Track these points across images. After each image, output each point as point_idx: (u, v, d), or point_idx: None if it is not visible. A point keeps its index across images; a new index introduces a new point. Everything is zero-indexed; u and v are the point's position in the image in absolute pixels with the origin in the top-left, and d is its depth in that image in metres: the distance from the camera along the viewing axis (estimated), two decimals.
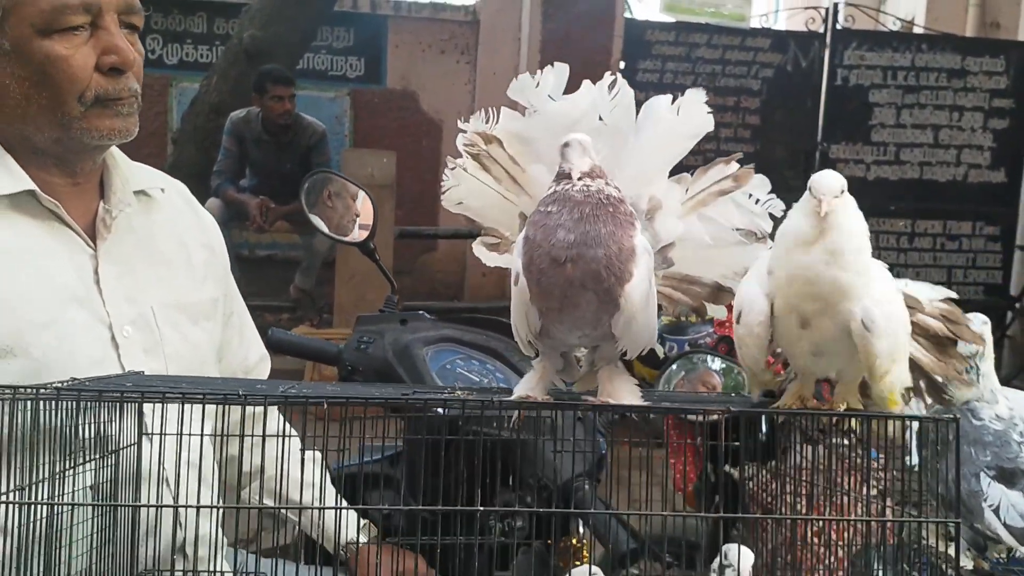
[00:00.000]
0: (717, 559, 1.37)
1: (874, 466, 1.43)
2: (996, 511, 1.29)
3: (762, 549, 1.57)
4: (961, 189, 8.04)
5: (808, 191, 1.16)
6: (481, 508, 1.21)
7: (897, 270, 7.88)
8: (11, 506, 1.10)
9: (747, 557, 1.35)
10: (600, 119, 1.31)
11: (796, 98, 7.91)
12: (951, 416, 1.06)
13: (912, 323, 1.20)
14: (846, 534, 1.38)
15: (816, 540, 1.46)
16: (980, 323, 1.42)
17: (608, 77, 1.32)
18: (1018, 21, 8.71)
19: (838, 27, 7.92)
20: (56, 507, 1.15)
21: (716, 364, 2.48)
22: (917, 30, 9.05)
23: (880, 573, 1.25)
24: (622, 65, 7.50)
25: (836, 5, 8.17)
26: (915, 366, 1.21)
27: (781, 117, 7.87)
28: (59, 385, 1.08)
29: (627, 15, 8.16)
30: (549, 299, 1.17)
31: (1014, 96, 8.04)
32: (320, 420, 1.41)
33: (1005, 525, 1.28)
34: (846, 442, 1.51)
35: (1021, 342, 7.70)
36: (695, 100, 1.31)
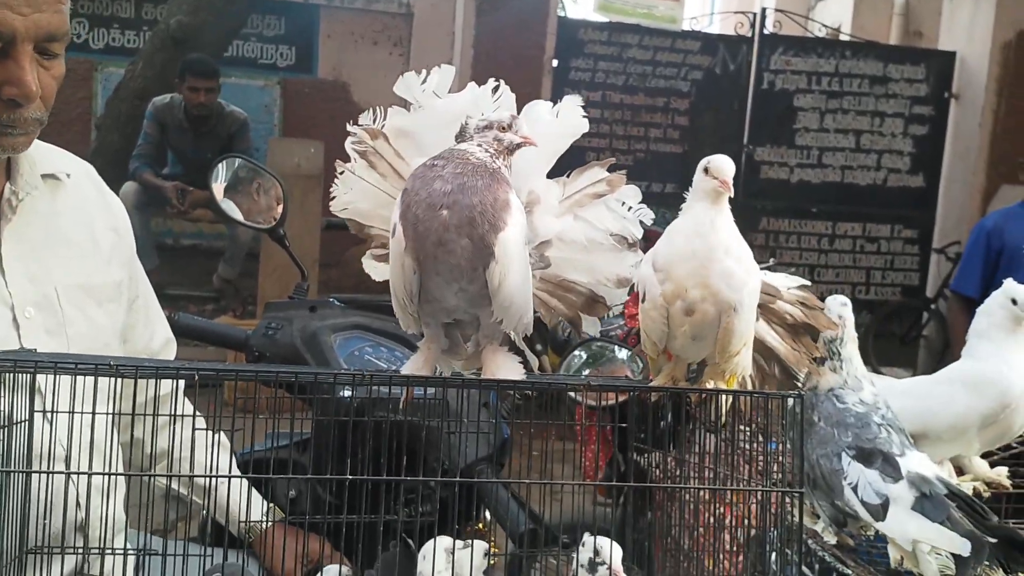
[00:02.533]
0: (583, 553, 1.40)
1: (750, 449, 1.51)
2: (855, 489, 1.36)
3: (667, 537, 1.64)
4: (881, 193, 8.27)
5: (703, 173, 1.22)
6: (386, 478, 1.22)
7: (817, 271, 8.10)
8: None
9: (617, 551, 1.39)
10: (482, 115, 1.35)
11: (724, 100, 8.05)
12: (797, 392, 1.13)
13: (771, 310, 1.27)
14: (727, 510, 1.44)
15: (711, 520, 1.52)
16: (840, 304, 1.49)
17: (492, 82, 1.38)
18: (938, 31, 8.99)
19: (765, 32, 8.09)
20: None
21: (623, 355, 2.54)
22: (844, 37, 9.28)
23: (769, 553, 1.31)
24: (555, 63, 7.56)
25: (764, 10, 8.33)
26: (770, 353, 1.28)
27: (709, 119, 8.01)
28: None
29: (561, 13, 8.23)
30: (424, 244, 1.21)
31: (933, 103, 8.30)
32: (227, 406, 1.44)
33: (862, 502, 1.36)
34: (743, 428, 1.58)
35: (936, 342, 7.95)
36: (572, 105, 1.39)
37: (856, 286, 7.99)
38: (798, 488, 1.15)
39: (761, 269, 1.54)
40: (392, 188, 1.43)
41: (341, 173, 1.44)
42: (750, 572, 1.40)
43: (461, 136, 1.29)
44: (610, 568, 1.36)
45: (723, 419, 1.26)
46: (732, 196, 1.21)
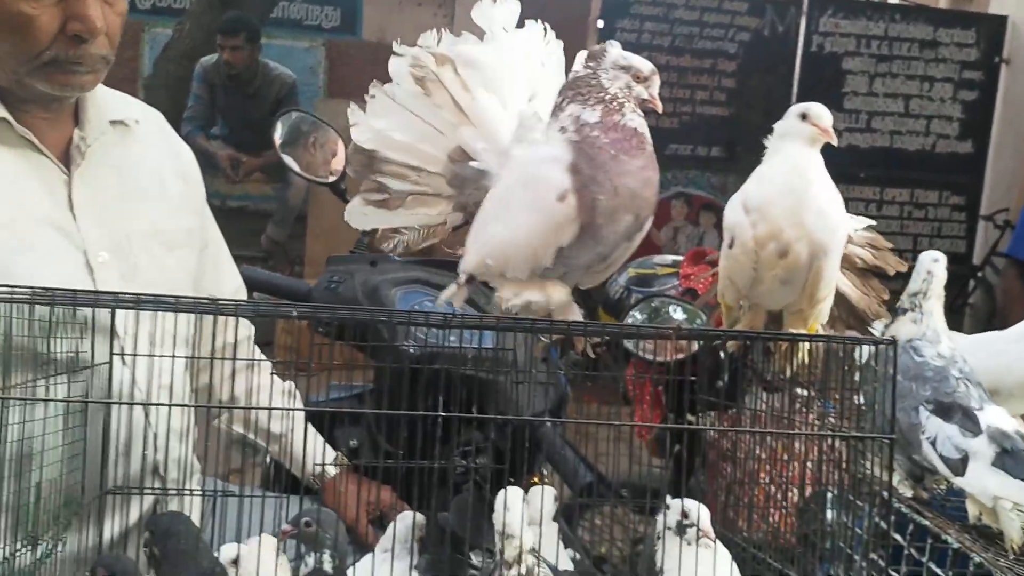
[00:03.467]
0: (671, 515, 1.41)
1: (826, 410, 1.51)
2: (933, 443, 1.35)
3: (719, 496, 1.64)
4: (929, 159, 8.12)
5: (799, 119, 1.21)
6: (442, 414, 1.23)
7: None
8: None
9: (705, 513, 1.40)
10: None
11: (772, 63, 7.93)
12: (891, 339, 1.12)
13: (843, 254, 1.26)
14: (791, 466, 1.44)
15: (767, 479, 1.51)
16: (931, 260, 1.47)
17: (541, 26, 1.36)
18: None
19: None
20: (27, 410, 1.17)
21: (679, 314, 2.53)
22: (893, 0, 9.09)
23: (830, 512, 1.30)
24: (600, 24, 7.48)
25: None
26: (840, 299, 1.26)
27: (757, 81, 7.89)
28: (33, 288, 1.09)
29: None
30: (600, 217, 1.23)
31: (983, 68, 8.11)
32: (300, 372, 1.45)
33: (941, 457, 1.34)
34: (802, 392, 1.57)
35: (982, 310, 7.84)
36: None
37: (903, 252, 7.88)
38: (889, 434, 1.15)
39: None
40: (446, 122, 1.38)
41: (373, 97, 1.40)
42: (819, 524, 1.39)
43: (593, 60, 1.27)
44: (700, 529, 1.37)
45: (805, 367, 1.25)
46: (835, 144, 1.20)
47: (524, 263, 1.31)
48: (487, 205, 1.35)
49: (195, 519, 1.67)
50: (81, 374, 1.40)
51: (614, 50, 1.28)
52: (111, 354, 1.47)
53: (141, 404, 1.47)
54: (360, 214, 1.48)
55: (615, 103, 1.21)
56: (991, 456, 1.32)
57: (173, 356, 1.35)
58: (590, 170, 1.21)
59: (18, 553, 1.19)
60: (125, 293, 1.14)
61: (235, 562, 1.30)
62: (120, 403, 1.42)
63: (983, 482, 1.30)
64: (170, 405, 1.45)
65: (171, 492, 1.56)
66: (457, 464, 1.93)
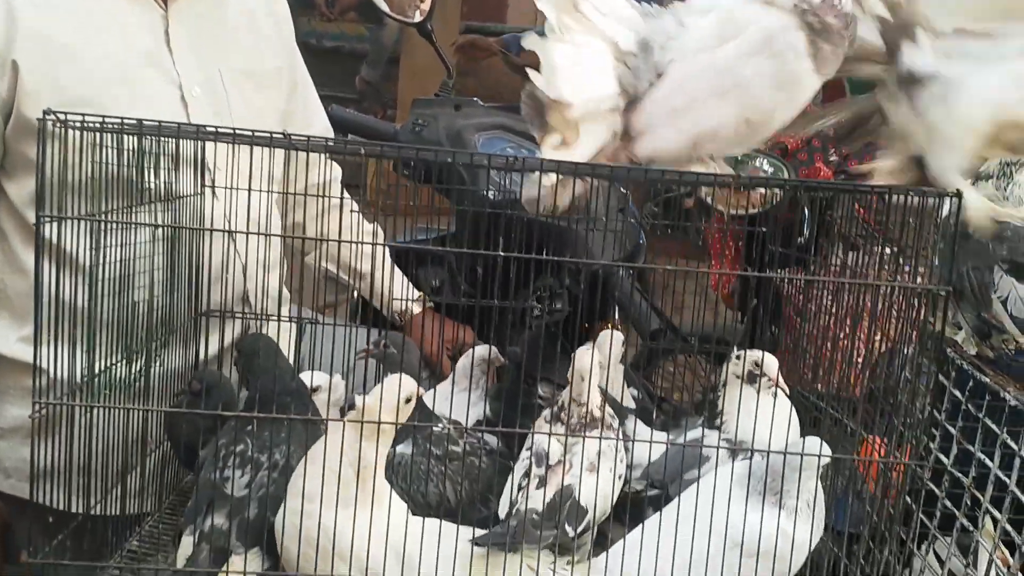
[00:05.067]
0: (739, 364, 1.46)
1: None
2: (1004, 302, 1.34)
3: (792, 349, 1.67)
4: None
5: None
6: (512, 254, 1.26)
7: None
8: (85, 224, 1.21)
9: (773, 362, 1.44)
10: None
11: None
12: (956, 191, 1.11)
13: None
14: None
15: (842, 336, 1.53)
16: None
17: None
18: None
19: None
20: (123, 234, 1.26)
21: (765, 165, 2.50)
22: None
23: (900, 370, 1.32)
24: None
25: None
26: None
27: None
28: (123, 119, 1.15)
29: None
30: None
31: None
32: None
33: (1011, 316, 1.34)
34: (885, 250, 1.57)
35: None
36: None
37: None
38: (945, 286, 1.15)
39: None
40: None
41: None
42: (883, 379, 1.41)
43: None
44: (770, 378, 1.41)
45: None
46: None
47: (750, 137, 1.34)
48: (690, 85, 1.34)
49: (285, 346, 1.80)
50: (174, 204, 1.48)
51: None
52: (202, 186, 1.55)
53: (222, 231, 1.55)
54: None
55: None
56: None
57: (260, 190, 1.41)
58: (825, 34, 1.23)
59: (115, 365, 1.29)
60: (207, 126, 1.19)
61: (315, 391, 1.40)
62: (204, 229, 1.50)
63: None
64: (245, 232, 1.52)
65: (261, 317, 1.66)
66: (531, 306, 1.99)
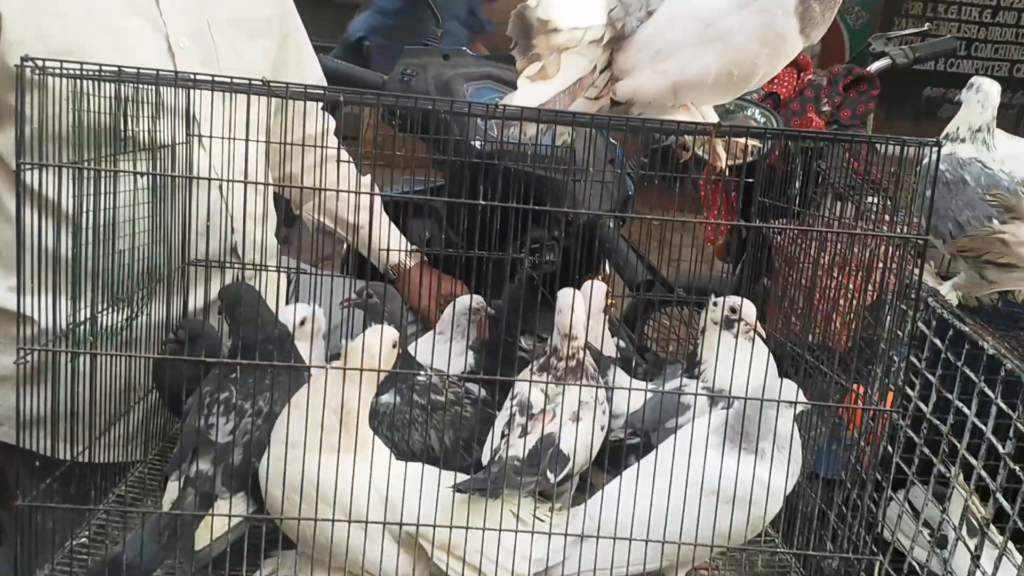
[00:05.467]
0: (717, 311, 1.47)
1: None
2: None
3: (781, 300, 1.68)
4: None
5: None
6: (492, 203, 1.27)
7: (975, 46, 7.49)
8: (67, 172, 1.21)
9: (751, 308, 1.46)
10: None
11: None
12: (935, 140, 1.11)
13: None
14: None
15: (833, 287, 1.54)
16: (994, 90, 1.43)
17: None
18: None
19: None
20: (108, 183, 1.26)
21: (756, 115, 2.49)
22: None
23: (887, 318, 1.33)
24: None
25: None
26: None
27: None
28: (101, 66, 1.15)
29: None
30: (813, 33, 1.29)
31: None
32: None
33: None
34: (873, 200, 1.57)
35: None
36: None
37: (1015, 64, 7.43)
38: (923, 235, 1.16)
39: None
40: None
41: None
42: (866, 329, 1.42)
43: None
44: (747, 324, 1.42)
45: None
46: None
47: (731, 89, 1.34)
48: (676, 30, 1.33)
49: (276, 297, 1.81)
50: (159, 153, 1.48)
51: None
52: (188, 135, 1.55)
53: (202, 178, 1.54)
54: (531, 92, 1.47)
55: None
56: None
57: (247, 139, 1.40)
58: None
59: (100, 314, 1.30)
60: (188, 73, 1.18)
61: (302, 322, 1.41)
62: (185, 176, 1.50)
63: None
64: (221, 179, 1.51)
65: (249, 267, 1.66)
66: (522, 258, 2.00)
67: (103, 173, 1.26)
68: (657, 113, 1.36)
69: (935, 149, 1.10)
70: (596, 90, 1.38)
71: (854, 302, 1.45)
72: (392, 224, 1.99)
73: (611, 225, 2.07)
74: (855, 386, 1.36)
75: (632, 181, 2.23)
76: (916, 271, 1.16)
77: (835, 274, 1.51)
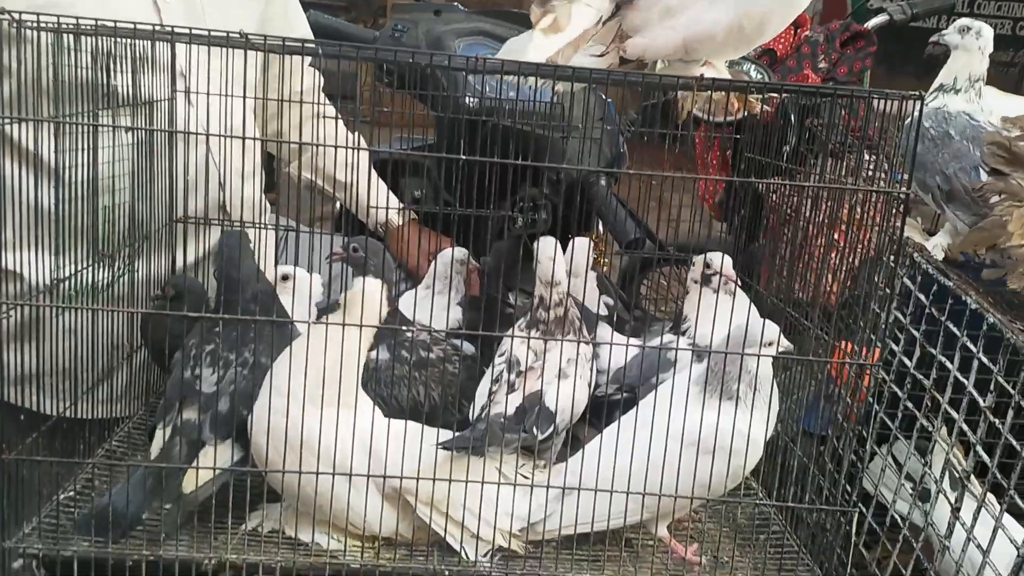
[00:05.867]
0: (696, 270, 1.48)
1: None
2: None
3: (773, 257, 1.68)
4: None
5: None
6: (474, 158, 1.26)
7: (979, 2, 7.40)
8: (49, 126, 1.20)
9: (727, 260, 1.46)
10: None
11: None
12: (918, 94, 1.11)
13: None
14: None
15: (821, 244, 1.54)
16: (989, 36, 1.42)
17: None
18: None
19: None
20: (91, 138, 1.26)
21: (752, 72, 2.48)
22: None
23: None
24: None
25: None
26: None
27: None
28: (79, 20, 1.14)
29: None
30: None
31: None
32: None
33: None
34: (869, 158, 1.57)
35: None
36: None
37: (1018, 21, 7.35)
38: (904, 189, 1.16)
39: None
40: None
41: None
42: (853, 286, 1.42)
43: None
44: (721, 274, 1.43)
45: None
46: None
47: (742, 43, 1.33)
48: None
49: (268, 254, 1.81)
50: (145, 109, 1.47)
51: None
52: (173, 91, 1.54)
53: (183, 132, 1.54)
54: (536, 48, 1.46)
55: None
56: None
57: (232, 95, 1.39)
58: None
59: (83, 270, 1.30)
60: (168, 26, 1.18)
61: (285, 278, 1.41)
62: (169, 131, 1.49)
63: None
64: (207, 134, 1.51)
65: (237, 223, 1.66)
66: (514, 216, 1.99)
67: (85, 128, 1.26)
68: (680, 71, 1.36)
69: (917, 103, 1.09)
70: (602, 46, 1.38)
71: (839, 258, 1.45)
72: (381, 182, 1.99)
73: (602, 183, 2.07)
74: (840, 342, 1.37)
75: (623, 138, 2.22)
76: (898, 225, 1.15)
77: (824, 231, 1.51)
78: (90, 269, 1.33)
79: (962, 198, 1.36)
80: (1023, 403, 1.15)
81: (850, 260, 1.39)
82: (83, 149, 1.25)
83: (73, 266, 1.29)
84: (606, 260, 2.33)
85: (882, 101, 1.18)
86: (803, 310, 1.49)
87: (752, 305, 1.44)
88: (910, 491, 1.40)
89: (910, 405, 1.39)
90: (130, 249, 1.45)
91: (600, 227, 2.23)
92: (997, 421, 1.19)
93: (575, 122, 1.86)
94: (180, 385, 1.26)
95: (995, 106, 1.48)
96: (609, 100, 2.23)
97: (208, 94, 1.42)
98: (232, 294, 1.29)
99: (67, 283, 1.27)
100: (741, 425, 1.19)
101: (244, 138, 1.56)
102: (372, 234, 1.98)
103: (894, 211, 1.18)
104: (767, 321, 1.25)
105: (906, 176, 1.26)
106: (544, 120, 1.83)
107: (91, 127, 1.27)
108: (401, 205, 2.01)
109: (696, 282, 1.45)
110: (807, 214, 1.61)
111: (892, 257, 1.22)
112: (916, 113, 1.12)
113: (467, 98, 1.99)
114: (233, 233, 1.35)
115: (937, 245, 1.44)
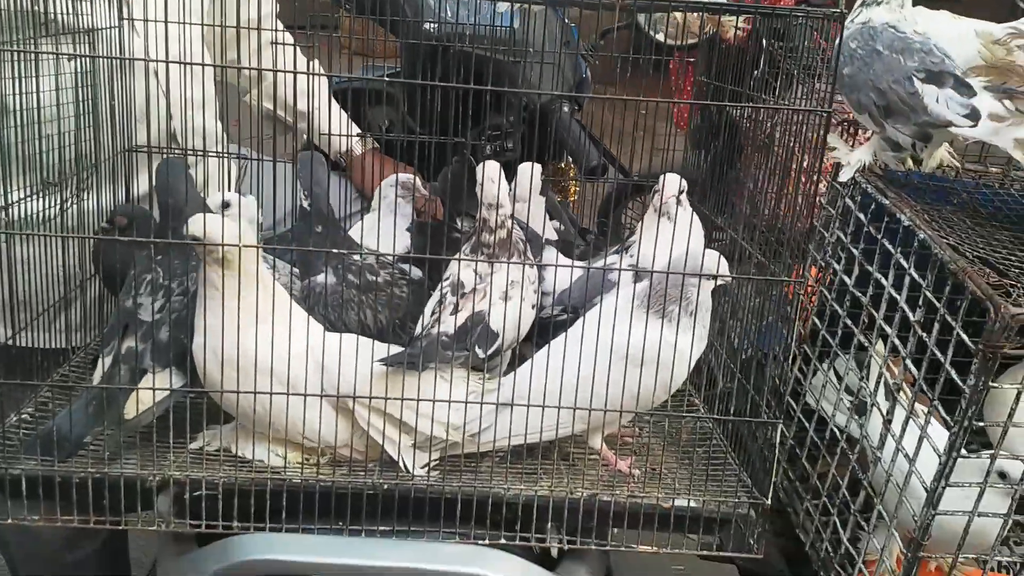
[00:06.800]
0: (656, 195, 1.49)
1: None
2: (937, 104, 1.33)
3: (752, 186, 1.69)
4: None
5: None
6: (437, 83, 1.26)
7: None
8: None
9: (673, 180, 1.48)
10: None
11: None
12: (837, 12, 1.11)
13: None
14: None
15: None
16: None
17: None
18: None
19: None
20: (31, 66, 1.26)
21: None
22: None
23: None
24: None
25: None
26: None
27: None
28: None
29: None
30: None
31: None
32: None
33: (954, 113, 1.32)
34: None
35: None
36: None
37: None
38: (827, 108, 1.17)
39: None
40: None
41: None
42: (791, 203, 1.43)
43: None
44: (662, 193, 1.45)
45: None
46: None
47: None
48: None
49: (226, 183, 1.82)
50: (90, 37, 1.47)
51: None
52: (120, 19, 1.54)
53: (123, 58, 1.53)
54: None
55: None
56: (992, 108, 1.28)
57: (180, 22, 1.39)
58: None
59: (28, 197, 1.32)
60: None
61: (227, 205, 1.43)
62: (110, 57, 1.49)
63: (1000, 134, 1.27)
64: (143, 59, 1.50)
65: (190, 152, 1.67)
66: (481, 145, 1.99)
67: (24, 55, 1.26)
68: None
69: (836, 22, 1.09)
70: None
71: (768, 180, 1.47)
72: (342, 111, 1.99)
73: (564, 109, 2.06)
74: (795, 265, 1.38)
75: (586, 63, 2.21)
76: (817, 141, 1.16)
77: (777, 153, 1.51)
78: (36, 197, 1.34)
79: (900, 110, 1.35)
80: (948, 317, 1.16)
81: (806, 185, 1.40)
82: (23, 77, 1.25)
83: (20, 193, 1.30)
84: (577, 187, 2.33)
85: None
86: (755, 234, 1.51)
87: (698, 229, 1.45)
88: (848, 404, 1.43)
89: (849, 322, 1.41)
90: (77, 178, 1.46)
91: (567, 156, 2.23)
92: (924, 334, 1.21)
93: (536, 47, 1.85)
94: (123, 313, 1.29)
95: (947, 27, 1.46)
96: (573, 24, 2.21)
97: (155, 21, 1.42)
98: (171, 220, 1.31)
99: (12, 209, 1.28)
100: (669, 337, 1.22)
101: (182, 63, 1.55)
102: (335, 165, 1.99)
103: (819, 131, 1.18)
104: (708, 251, 1.27)
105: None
106: (505, 45, 1.83)
107: (32, 55, 1.27)
108: (359, 132, 2.01)
109: (655, 208, 1.46)
110: (757, 138, 1.61)
111: (819, 175, 1.24)
112: (840, 31, 1.11)
113: (427, 24, 1.97)
114: (170, 161, 1.36)
115: (856, 161, 1.44)
